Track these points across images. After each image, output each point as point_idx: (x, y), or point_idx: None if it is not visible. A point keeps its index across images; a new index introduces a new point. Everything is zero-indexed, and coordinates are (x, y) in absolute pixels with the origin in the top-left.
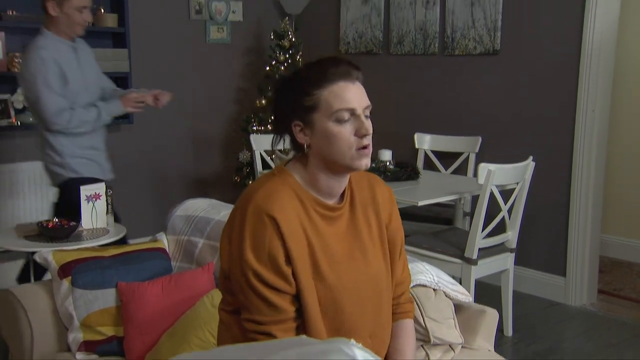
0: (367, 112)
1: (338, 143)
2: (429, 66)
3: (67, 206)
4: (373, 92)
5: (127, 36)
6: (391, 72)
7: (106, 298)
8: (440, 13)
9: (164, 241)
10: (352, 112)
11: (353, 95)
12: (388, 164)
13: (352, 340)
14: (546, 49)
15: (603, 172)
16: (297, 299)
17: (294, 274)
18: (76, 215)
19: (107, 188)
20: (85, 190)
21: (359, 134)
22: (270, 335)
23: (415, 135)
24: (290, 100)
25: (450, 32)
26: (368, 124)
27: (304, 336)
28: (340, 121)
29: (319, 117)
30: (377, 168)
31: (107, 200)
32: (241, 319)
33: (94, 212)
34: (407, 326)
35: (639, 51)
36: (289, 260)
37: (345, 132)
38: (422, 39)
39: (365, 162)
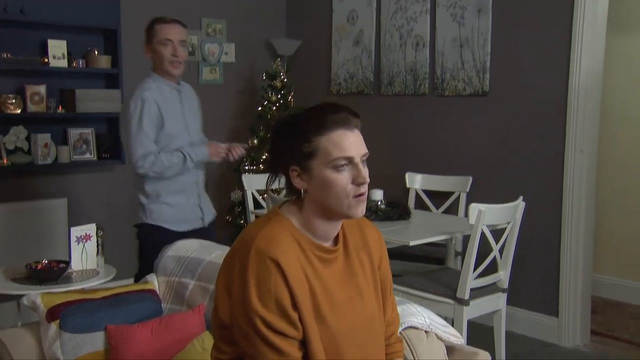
0: (364, 159)
1: (335, 190)
2: (420, 107)
3: (139, 249)
4: (365, 132)
5: (120, 77)
6: (382, 113)
7: (95, 342)
8: (430, 54)
9: (155, 282)
10: (350, 160)
11: (351, 143)
12: (379, 203)
13: None
14: (534, 90)
15: (593, 211)
16: (302, 344)
17: (300, 319)
18: (142, 260)
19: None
20: (75, 231)
21: (356, 182)
22: None
23: (407, 175)
24: (288, 145)
25: (440, 73)
26: (365, 172)
27: None
28: (337, 169)
29: (317, 164)
30: (369, 208)
31: (97, 242)
32: None
33: (84, 253)
34: None
35: (623, 94)
36: (294, 304)
37: (343, 180)
38: (412, 80)
39: (362, 209)
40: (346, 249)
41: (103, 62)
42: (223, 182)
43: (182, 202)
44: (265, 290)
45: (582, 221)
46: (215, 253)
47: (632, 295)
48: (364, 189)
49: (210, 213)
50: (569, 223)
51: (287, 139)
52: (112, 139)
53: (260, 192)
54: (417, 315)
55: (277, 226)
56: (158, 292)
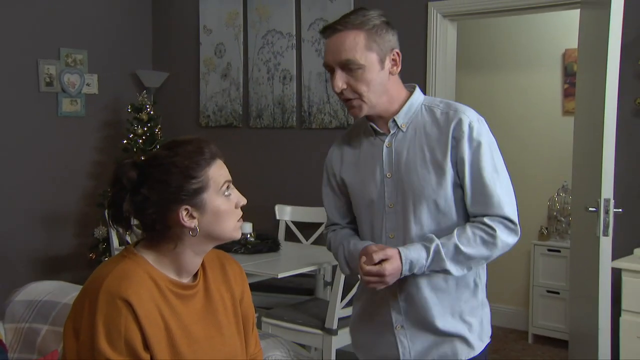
0: None
1: (227, 217)
2: (288, 139)
3: None
4: (234, 165)
5: None
6: (251, 145)
7: None
8: (297, 88)
9: (1, 331)
10: (228, 186)
11: (225, 169)
12: (249, 236)
13: None
14: None
15: None
16: None
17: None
18: None
19: None
20: None
21: (238, 205)
22: None
23: (276, 207)
24: (173, 189)
25: (307, 107)
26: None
27: None
28: (226, 195)
29: (209, 195)
30: (238, 241)
31: None
32: None
33: None
34: None
35: None
36: (146, 345)
37: (231, 205)
38: (280, 113)
39: (240, 231)
40: (206, 285)
41: None
42: (85, 218)
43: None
44: (114, 332)
45: None
46: (73, 294)
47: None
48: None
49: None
50: None
51: (170, 184)
52: None
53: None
54: (281, 349)
55: (130, 264)
56: (4, 340)
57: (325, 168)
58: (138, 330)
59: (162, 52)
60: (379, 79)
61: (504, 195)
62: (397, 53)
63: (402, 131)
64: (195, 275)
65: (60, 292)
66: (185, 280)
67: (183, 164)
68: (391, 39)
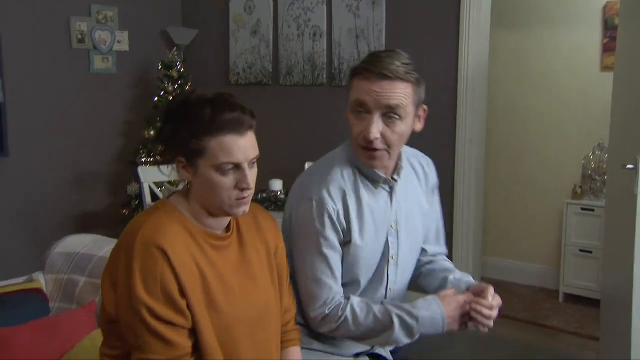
0: (254, 161)
1: (218, 192)
2: (318, 96)
3: None
4: (263, 123)
5: (1, 64)
6: (281, 103)
7: None
8: (327, 45)
9: (42, 281)
10: (237, 166)
11: (240, 148)
12: (278, 193)
13: None
14: (426, 80)
15: (483, 197)
16: (192, 332)
17: (188, 306)
18: None
19: None
20: None
21: (240, 186)
22: None
23: (306, 165)
24: (176, 135)
25: (337, 64)
26: (250, 178)
27: None
28: (223, 172)
29: (203, 163)
30: (268, 198)
31: None
32: None
33: None
34: (295, 354)
35: (506, 85)
36: (182, 292)
37: (227, 183)
38: (310, 70)
39: (243, 209)
40: (240, 236)
41: None
42: (117, 175)
43: None
44: (150, 279)
45: (472, 207)
46: (108, 248)
47: (515, 274)
48: (247, 193)
49: None
50: (460, 209)
51: (176, 129)
52: None
53: (157, 184)
54: None
55: (164, 215)
56: (45, 290)
57: (332, 218)
58: (173, 277)
59: (191, 8)
60: (407, 133)
61: None
62: (425, 109)
63: (397, 180)
64: (228, 227)
65: (95, 245)
66: (218, 231)
67: (193, 122)
68: (424, 92)
